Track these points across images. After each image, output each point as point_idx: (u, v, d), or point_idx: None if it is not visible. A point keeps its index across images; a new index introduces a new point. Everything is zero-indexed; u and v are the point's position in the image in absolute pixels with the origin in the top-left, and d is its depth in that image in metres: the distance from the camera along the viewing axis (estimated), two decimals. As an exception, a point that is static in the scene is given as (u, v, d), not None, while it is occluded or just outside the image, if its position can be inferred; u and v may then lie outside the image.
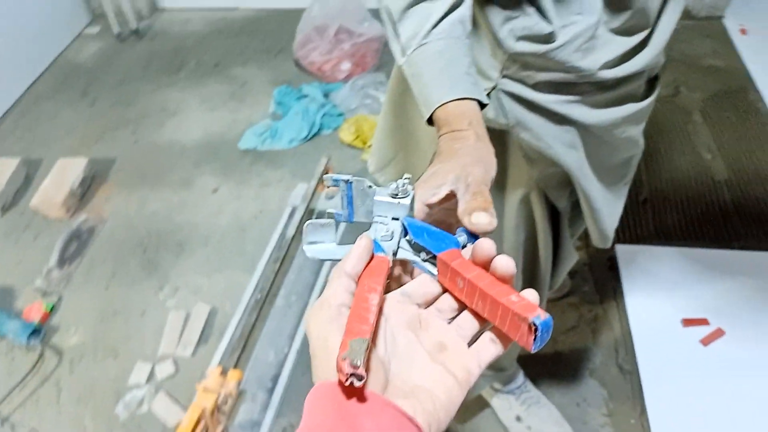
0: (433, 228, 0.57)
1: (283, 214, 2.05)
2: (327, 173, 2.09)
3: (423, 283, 0.54)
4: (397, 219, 0.59)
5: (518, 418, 1.49)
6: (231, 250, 2.01)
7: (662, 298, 1.77)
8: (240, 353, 1.55)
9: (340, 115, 2.44)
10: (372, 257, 0.55)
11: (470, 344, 0.50)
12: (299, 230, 1.92)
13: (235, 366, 1.53)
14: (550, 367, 1.64)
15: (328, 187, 0.60)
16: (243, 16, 3.22)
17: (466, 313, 0.52)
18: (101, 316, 1.84)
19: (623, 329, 1.71)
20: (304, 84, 2.59)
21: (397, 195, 0.59)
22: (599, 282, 1.84)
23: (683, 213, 2.03)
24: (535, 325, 0.46)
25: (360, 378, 0.44)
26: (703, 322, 1.70)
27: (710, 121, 2.36)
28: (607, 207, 1.08)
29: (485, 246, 0.51)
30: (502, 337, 0.50)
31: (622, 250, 1.91)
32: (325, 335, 0.48)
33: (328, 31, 2.55)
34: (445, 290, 0.54)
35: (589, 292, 1.82)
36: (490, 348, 0.50)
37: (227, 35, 3.10)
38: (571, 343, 1.69)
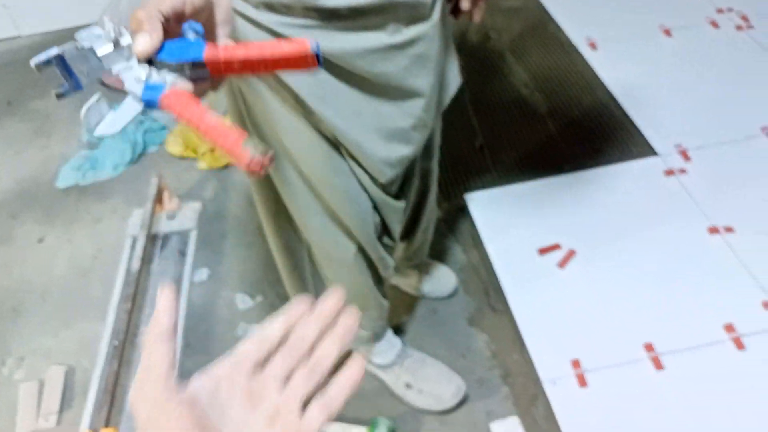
0: (169, 43, 0.58)
1: (125, 247, 1.89)
2: (162, 192, 1.96)
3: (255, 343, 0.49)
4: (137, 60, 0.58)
5: (408, 385, 1.50)
6: (75, 301, 1.82)
7: (517, 234, 1.86)
8: (109, 408, 1.41)
9: (163, 128, 2.28)
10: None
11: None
12: (145, 261, 1.78)
13: (107, 424, 1.39)
14: (429, 327, 1.67)
15: (39, 69, 0.56)
16: (28, 44, 2.89)
17: (298, 374, 0.48)
18: (-63, 414, 1.60)
19: (488, 273, 1.78)
20: (115, 104, 2.38)
21: (117, 41, 0.58)
22: (457, 234, 1.90)
23: (517, 150, 2.14)
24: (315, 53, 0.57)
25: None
26: (556, 247, 1.81)
27: (522, 59, 2.49)
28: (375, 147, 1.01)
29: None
30: None
31: (471, 198, 1.98)
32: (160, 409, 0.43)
33: (127, 42, 2.35)
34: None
35: (450, 245, 1.87)
36: (318, 416, 0.48)
37: (15, 68, 2.76)
38: (447, 302, 1.73)
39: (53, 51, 0.56)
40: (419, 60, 0.94)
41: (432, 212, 1.49)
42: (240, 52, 0.57)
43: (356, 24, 0.85)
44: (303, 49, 0.57)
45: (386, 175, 1.03)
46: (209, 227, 1.97)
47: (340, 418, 1.48)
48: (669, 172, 1.98)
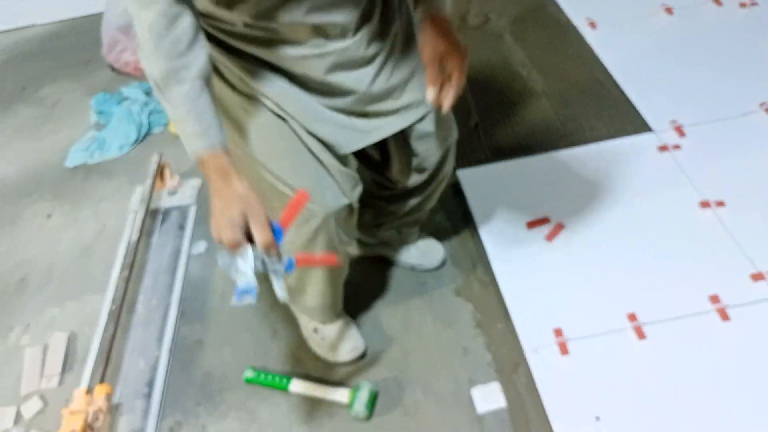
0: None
1: (127, 222, 1.96)
2: (163, 170, 2.02)
3: None
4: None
5: (315, 330, 1.57)
6: (79, 275, 1.90)
7: (506, 209, 1.88)
8: (104, 367, 1.48)
9: (168, 110, 2.35)
10: None
11: None
12: (144, 234, 1.85)
13: (102, 381, 1.46)
14: (417, 298, 1.70)
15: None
16: (42, 33, 3.00)
17: None
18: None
19: (477, 247, 1.80)
20: (123, 87, 2.47)
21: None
22: (448, 210, 1.92)
23: (512, 128, 2.15)
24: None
25: None
26: (545, 221, 1.82)
27: (520, 39, 2.51)
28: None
29: None
30: None
31: (463, 174, 2.01)
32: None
33: (133, 28, 2.42)
34: None
35: (441, 221, 1.90)
36: None
37: (28, 55, 2.87)
38: (435, 274, 1.76)
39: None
40: (340, 66, 1.12)
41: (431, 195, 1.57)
42: None
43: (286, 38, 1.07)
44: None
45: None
46: (208, 203, 2.02)
47: (325, 382, 1.53)
48: (663, 148, 1.98)
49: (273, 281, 1.00)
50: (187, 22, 0.95)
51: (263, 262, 0.97)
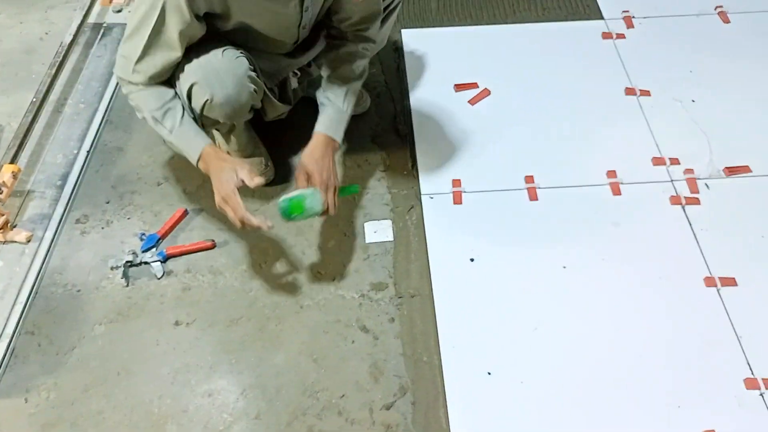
0: None
1: (70, 30, 1.97)
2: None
3: None
4: None
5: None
6: (16, 73, 1.93)
7: (439, 71, 1.91)
8: (16, 151, 1.55)
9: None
10: None
11: None
12: (78, 42, 1.87)
13: (12, 161, 1.53)
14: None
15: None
16: None
17: None
18: None
19: (403, 101, 1.84)
20: None
21: None
22: (384, 64, 1.95)
23: (467, -3, 2.15)
24: None
25: None
26: (473, 85, 1.86)
27: None
28: None
29: None
30: None
31: (407, 34, 2.01)
32: None
33: None
34: None
35: (376, 73, 1.92)
36: None
37: None
38: (357, 119, 1.80)
39: None
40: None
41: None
42: None
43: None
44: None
45: None
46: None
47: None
48: (606, 35, 1.99)
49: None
50: (168, 87, 1.35)
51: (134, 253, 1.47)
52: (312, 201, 1.33)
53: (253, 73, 1.38)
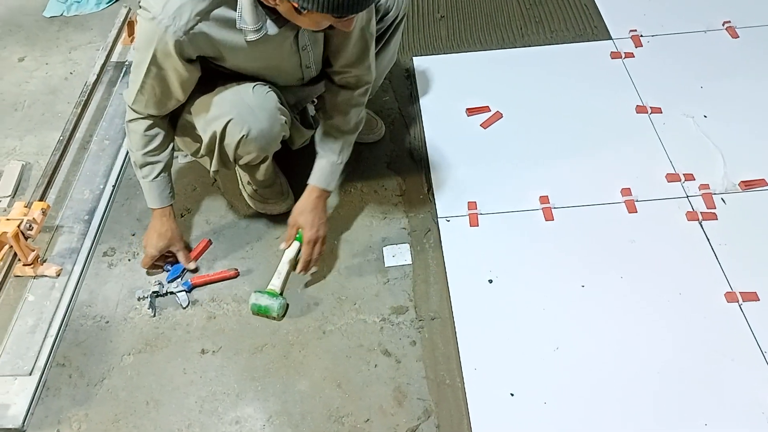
0: None
1: (94, 70, 2.04)
2: (131, 24, 2.09)
3: None
4: None
5: (249, 182, 1.68)
6: (42, 113, 2.01)
7: (452, 96, 1.95)
8: (45, 188, 1.60)
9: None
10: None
11: None
12: (101, 81, 1.94)
13: (41, 199, 1.58)
14: (353, 166, 1.79)
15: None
16: None
17: None
18: None
19: (417, 127, 1.88)
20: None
21: None
22: (397, 91, 1.99)
23: (476, 23, 2.18)
24: None
25: None
26: (485, 109, 1.89)
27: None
28: None
29: None
30: None
31: (418, 61, 2.06)
32: None
33: None
34: None
35: (389, 100, 1.96)
36: None
37: None
38: (373, 146, 1.84)
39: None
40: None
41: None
42: None
43: None
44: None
45: None
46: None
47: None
48: (615, 55, 2.01)
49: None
50: (161, 135, 1.43)
51: (160, 284, 1.54)
52: (277, 309, 1.47)
53: (282, 106, 1.42)
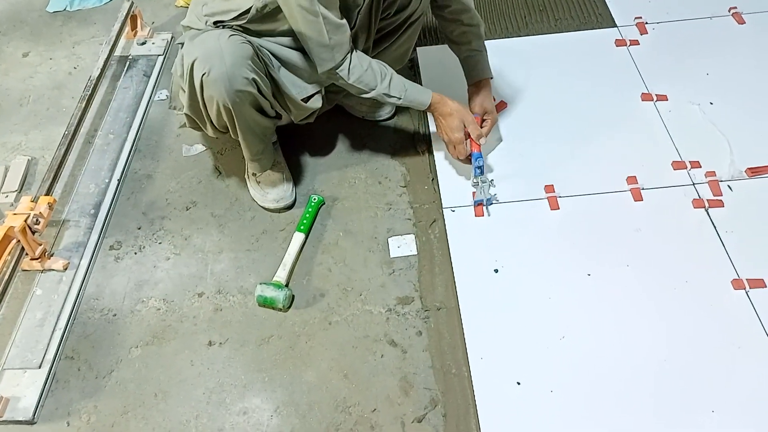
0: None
1: (97, 64, 2.04)
2: (135, 20, 2.09)
3: None
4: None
5: (253, 174, 1.71)
6: (48, 108, 2.01)
7: (455, 86, 1.92)
8: (51, 183, 1.60)
9: (150, -34, 2.39)
10: None
11: None
12: (105, 74, 1.94)
13: (47, 193, 1.58)
14: (358, 156, 1.79)
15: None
16: None
17: None
18: None
19: (421, 118, 1.87)
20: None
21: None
22: (402, 81, 1.98)
23: (478, 10, 2.15)
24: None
25: None
26: (490, 98, 1.88)
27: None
28: None
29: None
30: None
31: (422, 51, 2.05)
32: None
33: None
34: None
35: (393, 91, 1.96)
36: None
37: None
38: (376, 135, 1.84)
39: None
40: None
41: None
42: None
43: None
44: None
45: None
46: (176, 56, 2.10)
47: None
48: (620, 42, 2.00)
49: (482, 188, 1.64)
50: (368, 60, 1.52)
51: (481, 168, 1.62)
52: (283, 300, 1.48)
53: (256, 63, 1.42)
